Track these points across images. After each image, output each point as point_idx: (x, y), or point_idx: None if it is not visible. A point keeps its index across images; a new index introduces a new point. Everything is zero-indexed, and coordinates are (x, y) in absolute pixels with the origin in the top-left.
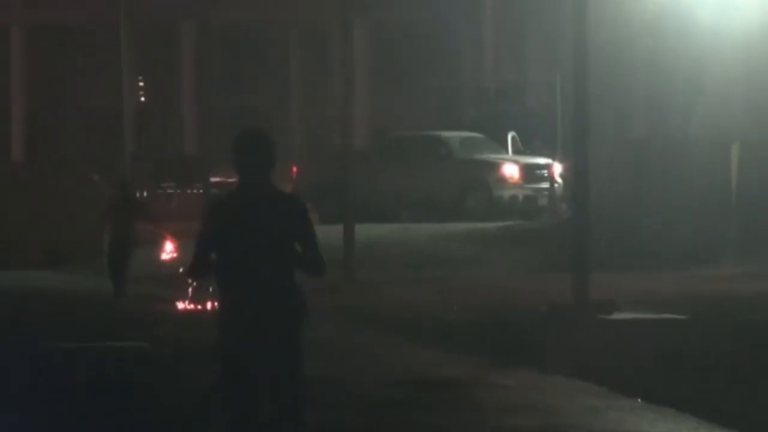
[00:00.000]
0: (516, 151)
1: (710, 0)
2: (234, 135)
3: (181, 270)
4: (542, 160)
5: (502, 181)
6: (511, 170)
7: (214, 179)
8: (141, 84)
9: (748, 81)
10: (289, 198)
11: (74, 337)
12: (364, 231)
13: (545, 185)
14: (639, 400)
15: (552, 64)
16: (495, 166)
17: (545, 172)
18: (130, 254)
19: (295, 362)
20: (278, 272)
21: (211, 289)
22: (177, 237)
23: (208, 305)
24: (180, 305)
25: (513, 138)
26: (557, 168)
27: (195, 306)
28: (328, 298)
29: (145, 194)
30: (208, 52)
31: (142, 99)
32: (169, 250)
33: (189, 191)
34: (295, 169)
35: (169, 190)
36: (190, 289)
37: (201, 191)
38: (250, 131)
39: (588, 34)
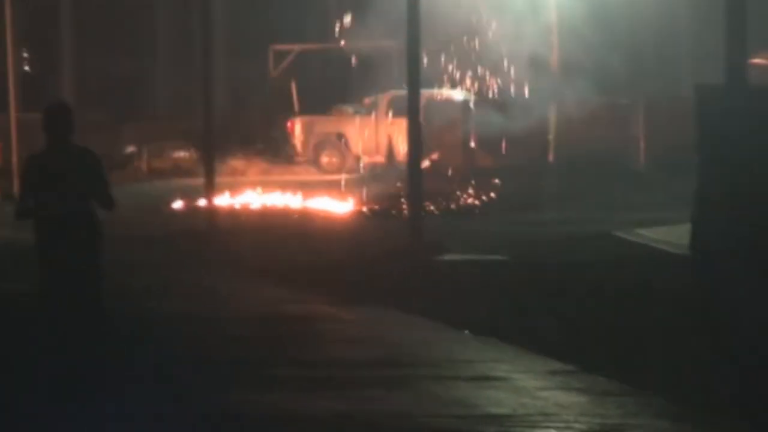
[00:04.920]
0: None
1: None
2: (44, 107)
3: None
4: None
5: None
6: None
7: None
8: (25, 55)
9: (562, 48)
10: (86, 150)
11: None
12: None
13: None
14: (466, 331)
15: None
16: None
17: None
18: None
19: (95, 268)
20: (78, 204)
21: None
22: None
23: None
24: None
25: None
26: None
27: None
28: (193, 244)
29: None
30: (85, 20)
31: (26, 69)
32: None
33: None
34: None
35: None
36: None
37: None
38: (55, 104)
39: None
